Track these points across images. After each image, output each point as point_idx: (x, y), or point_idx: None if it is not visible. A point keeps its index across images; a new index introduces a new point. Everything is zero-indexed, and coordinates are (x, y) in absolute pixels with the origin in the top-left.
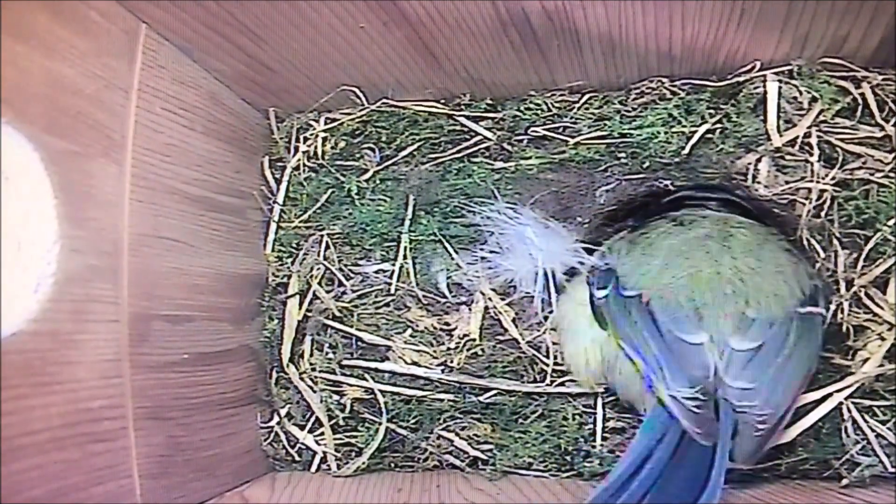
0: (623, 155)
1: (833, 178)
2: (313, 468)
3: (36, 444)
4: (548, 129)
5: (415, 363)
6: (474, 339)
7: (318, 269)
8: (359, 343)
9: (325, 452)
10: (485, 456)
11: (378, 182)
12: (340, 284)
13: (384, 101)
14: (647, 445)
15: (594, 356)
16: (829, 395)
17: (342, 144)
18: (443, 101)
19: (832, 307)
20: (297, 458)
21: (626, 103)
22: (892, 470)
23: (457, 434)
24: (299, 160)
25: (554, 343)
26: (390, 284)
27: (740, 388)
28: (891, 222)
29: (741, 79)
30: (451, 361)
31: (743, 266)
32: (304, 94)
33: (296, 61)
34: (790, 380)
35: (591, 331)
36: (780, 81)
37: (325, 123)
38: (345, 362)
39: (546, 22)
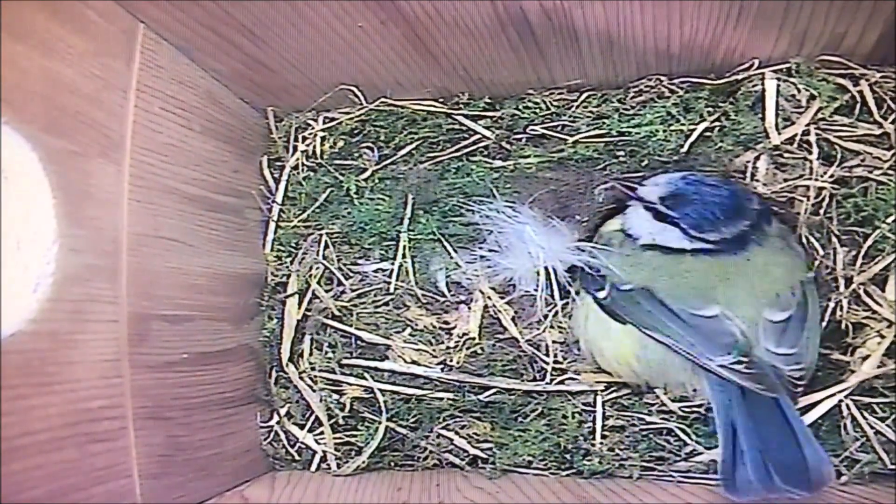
0: (622, 153)
1: (832, 176)
2: (313, 467)
3: (36, 444)
4: (546, 128)
5: (414, 362)
6: (474, 338)
7: (318, 268)
8: (358, 342)
9: (324, 451)
10: (484, 454)
11: (377, 181)
12: (339, 284)
13: (382, 100)
14: (727, 419)
15: (629, 352)
16: (830, 393)
17: (341, 144)
18: (441, 99)
19: (831, 304)
20: (296, 458)
21: (625, 101)
22: (892, 467)
23: (456, 433)
24: (298, 159)
25: (554, 342)
26: (389, 283)
27: (783, 353)
28: (889, 219)
29: (739, 77)
30: (451, 360)
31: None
32: (302, 94)
33: (294, 60)
34: (816, 339)
35: (615, 329)
36: (778, 79)
37: (324, 123)
38: (344, 361)
39: (544, 20)
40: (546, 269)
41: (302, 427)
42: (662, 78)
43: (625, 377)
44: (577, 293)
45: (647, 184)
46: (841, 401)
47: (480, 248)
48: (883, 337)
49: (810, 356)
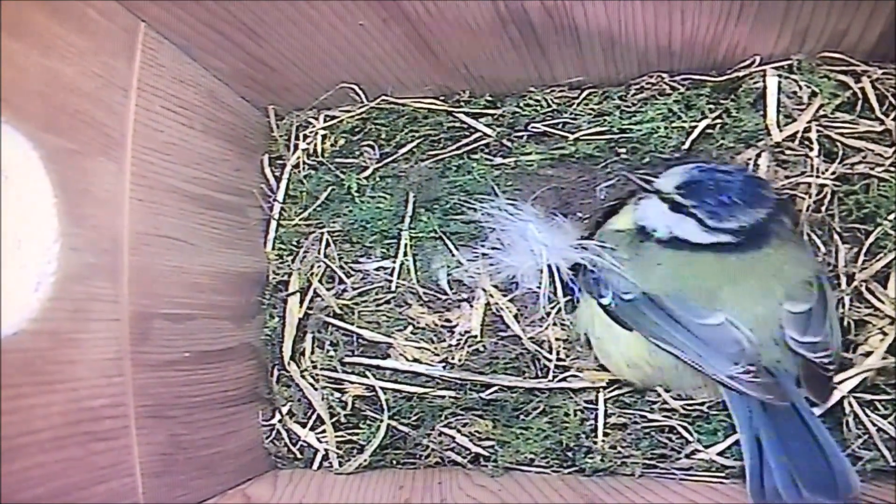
0: (623, 150)
1: (833, 173)
2: (315, 466)
3: (37, 442)
4: (548, 125)
5: (416, 360)
6: (476, 336)
7: (319, 266)
8: (360, 340)
9: (326, 450)
10: (486, 452)
11: (378, 179)
12: (341, 282)
13: (384, 98)
14: (749, 430)
15: (640, 357)
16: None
17: (342, 142)
18: (442, 97)
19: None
20: (298, 456)
21: (626, 99)
22: (894, 464)
23: (458, 431)
24: (299, 158)
25: (556, 339)
26: (391, 282)
27: (810, 341)
28: (891, 216)
29: (741, 74)
30: (453, 358)
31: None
32: (303, 92)
33: (295, 59)
34: (837, 324)
35: (623, 335)
36: (779, 76)
37: (325, 121)
38: (346, 360)
39: (545, 18)
40: (549, 266)
41: (304, 425)
42: (664, 75)
43: (636, 381)
44: (580, 290)
45: (663, 176)
46: (843, 398)
47: (482, 245)
48: (885, 334)
49: (836, 341)
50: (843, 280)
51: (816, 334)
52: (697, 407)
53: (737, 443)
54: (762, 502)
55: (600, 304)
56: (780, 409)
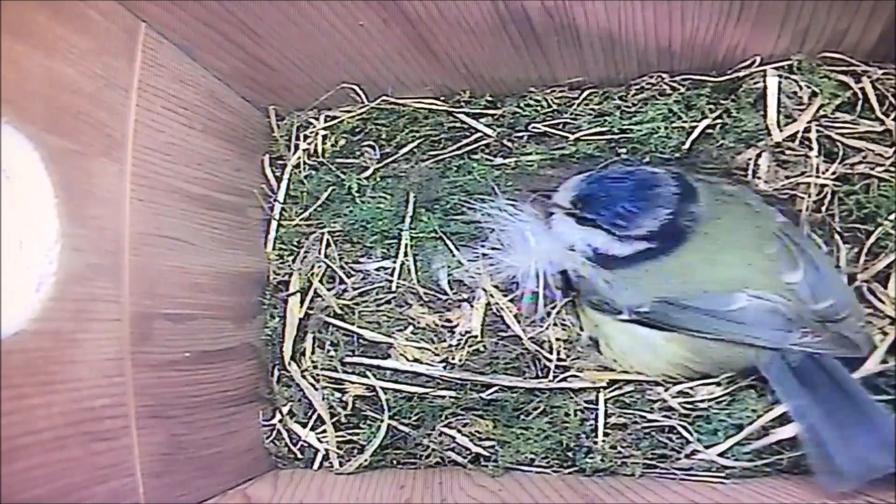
0: (623, 151)
1: (833, 173)
2: (315, 466)
3: (38, 442)
4: (548, 126)
5: (416, 360)
6: (476, 336)
7: (319, 266)
8: (360, 340)
9: (327, 450)
10: (487, 452)
11: (378, 179)
12: (341, 282)
13: (384, 98)
14: (799, 408)
15: (684, 354)
16: None
17: (342, 142)
18: (442, 98)
19: None
20: (299, 456)
21: (626, 99)
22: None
23: (459, 431)
24: (299, 158)
25: (557, 339)
26: (391, 282)
27: (825, 307)
28: (892, 217)
29: (741, 74)
30: (453, 358)
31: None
32: (303, 92)
33: (295, 59)
34: (839, 278)
35: (657, 338)
36: (779, 76)
37: (325, 121)
38: (346, 360)
39: (545, 18)
40: (540, 269)
41: (304, 425)
42: (664, 75)
43: (682, 376)
44: (576, 304)
45: (560, 189)
46: None
47: (482, 245)
48: (885, 334)
49: (850, 296)
50: (845, 280)
51: (826, 295)
52: (697, 406)
53: (738, 443)
54: (828, 483)
55: (621, 320)
56: (827, 382)
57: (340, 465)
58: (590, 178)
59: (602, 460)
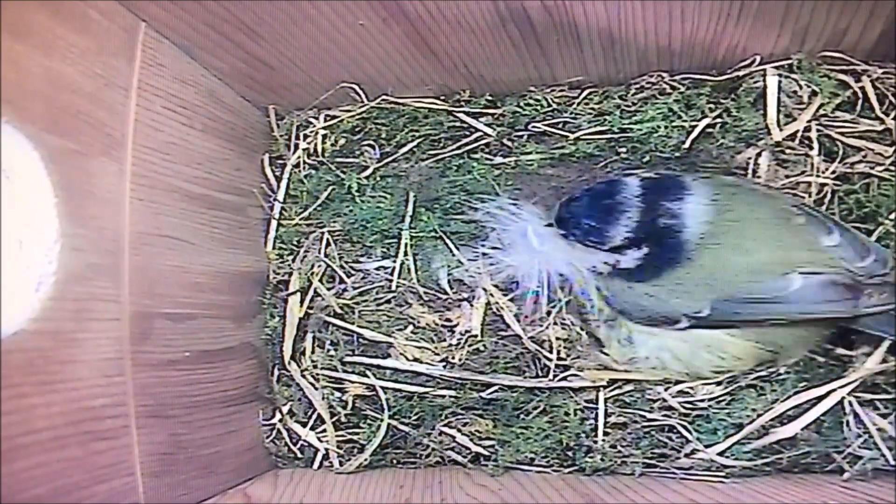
0: (623, 150)
1: (833, 172)
2: (315, 465)
3: (38, 442)
4: (548, 125)
5: (416, 360)
6: (476, 336)
7: (319, 266)
8: (360, 340)
9: (327, 449)
10: (487, 452)
11: (378, 179)
12: (341, 281)
13: (384, 97)
14: None
15: (742, 351)
16: (832, 389)
17: (342, 141)
18: (442, 97)
19: None
20: (299, 455)
21: (626, 98)
22: (894, 463)
23: (459, 430)
24: (299, 157)
25: (557, 338)
26: (391, 281)
27: (871, 262)
28: (892, 216)
29: (741, 73)
30: (453, 358)
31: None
32: (303, 92)
33: (295, 59)
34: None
35: (723, 337)
36: (779, 75)
37: (325, 120)
38: (346, 359)
39: (545, 17)
40: (543, 270)
41: (304, 425)
42: (664, 74)
43: (749, 368)
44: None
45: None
46: (843, 397)
47: (482, 245)
48: None
49: (881, 250)
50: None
51: (866, 253)
52: (697, 406)
53: (737, 442)
54: None
55: (680, 328)
56: None
57: (340, 464)
58: (564, 200)
59: (602, 459)
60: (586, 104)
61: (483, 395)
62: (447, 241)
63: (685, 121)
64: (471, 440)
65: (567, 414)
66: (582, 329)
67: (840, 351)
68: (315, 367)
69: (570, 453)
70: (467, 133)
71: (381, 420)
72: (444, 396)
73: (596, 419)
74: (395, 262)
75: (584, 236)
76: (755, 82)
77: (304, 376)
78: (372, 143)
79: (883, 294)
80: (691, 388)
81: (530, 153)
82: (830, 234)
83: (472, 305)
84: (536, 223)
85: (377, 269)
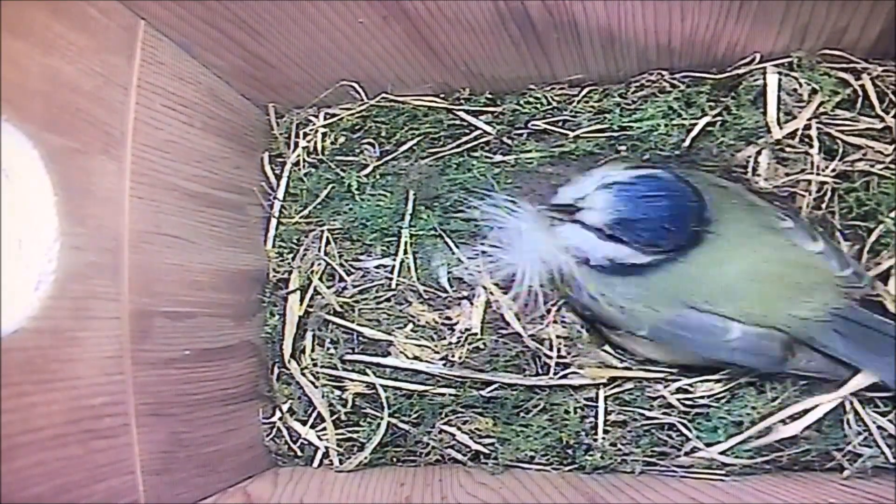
0: (623, 148)
1: (833, 170)
2: (315, 463)
3: (38, 441)
4: (548, 123)
5: (416, 358)
6: (476, 334)
7: (319, 264)
8: (360, 338)
9: (327, 447)
10: (487, 450)
11: (378, 177)
12: (341, 280)
13: (383, 96)
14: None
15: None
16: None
17: (342, 140)
18: (442, 95)
19: None
20: (299, 454)
21: (626, 96)
22: (894, 461)
23: (459, 428)
24: (299, 156)
25: (557, 336)
26: (391, 279)
27: (849, 274)
28: (892, 214)
29: (741, 71)
30: (453, 356)
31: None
32: (303, 90)
33: (295, 57)
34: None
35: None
36: (779, 73)
37: (325, 119)
38: (346, 357)
39: (545, 16)
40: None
41: (304, 423)
42: (664, 72)
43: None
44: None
45: (584, 205)
46: (843, 396)
47: (482, 243)
48: None
49: (860, 266)
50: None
51: (847, 264)
52: (697, 404)
53: (738, 441)
54: None
55: (639, 336)
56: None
57: (340, 462)
58: (619, 196)
59: (602, 458)
60: (586, 102)
61: (483, 393)
62: (447, 239)
63: (685, 119)
64: (471, 438)
65: (567, 412)
66: (582, 327)
67: None
68: (315, 365)
69: (570, 451)
70: (467, 131)
71: (381, 418)
72: (444, 394)
73: (596, 417)
74: (394, 260)
75: (647, 240)
76: (755, 80)
77: (303, 374)
78: (372, 141)
79: (855, 301)
80: (691, 385)
81: (530, 151)
82: (815, 240)
83: (471, 303)
84: (531, 218)
85: (377, 267)
